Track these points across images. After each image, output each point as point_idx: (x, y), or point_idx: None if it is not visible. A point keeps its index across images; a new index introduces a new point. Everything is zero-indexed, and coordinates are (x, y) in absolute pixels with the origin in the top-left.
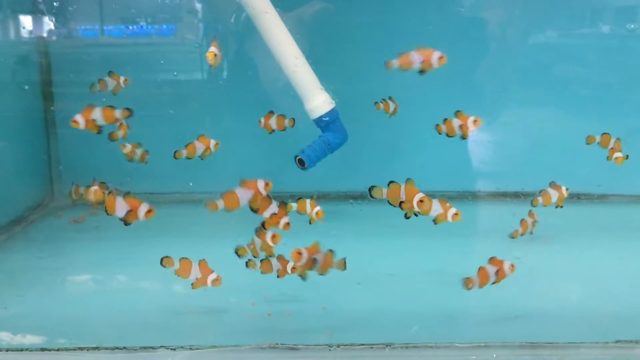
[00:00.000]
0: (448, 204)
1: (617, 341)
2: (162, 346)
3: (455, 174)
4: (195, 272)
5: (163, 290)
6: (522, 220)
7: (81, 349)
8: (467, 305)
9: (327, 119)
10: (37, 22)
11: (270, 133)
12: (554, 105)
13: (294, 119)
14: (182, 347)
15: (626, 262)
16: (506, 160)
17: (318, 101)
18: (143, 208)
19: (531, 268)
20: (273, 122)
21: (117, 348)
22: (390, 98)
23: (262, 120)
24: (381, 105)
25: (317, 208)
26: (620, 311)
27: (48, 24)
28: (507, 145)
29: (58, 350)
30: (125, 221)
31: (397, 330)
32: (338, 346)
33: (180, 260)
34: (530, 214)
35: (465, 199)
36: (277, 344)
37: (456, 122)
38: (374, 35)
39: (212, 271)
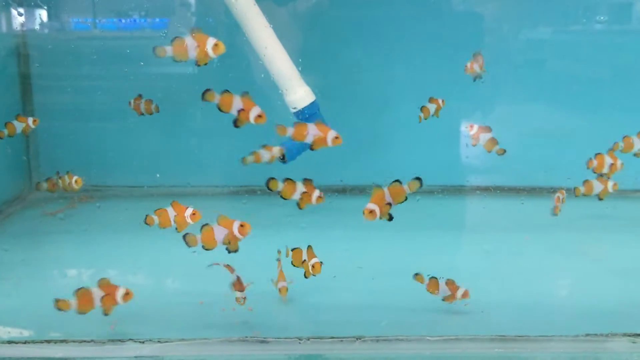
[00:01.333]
0: None
1: (587, 334)
2: (130, 339)
3: (438, 169)
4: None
5: (132, 284)
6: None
7: (49, 341)
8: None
9: (305, 112)
10: (17, 14)
11: (140, 115)
12: (546, 100)
13: (157, 106)
14: (150, 340)
15: (604, 256)
16: (496, 155)
17: (298, 94)
18: (316, 194)
19: (503, 261)
20: (141, 105)
21: (85, 341)
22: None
23: (132, 102)
24: (422, 116)
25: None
26: (595, 304)
27: (28, 15)
28: (499, 140)
29: (25, 343)
30: (299, 206)
31: (368, 323)
32: (308, 339)
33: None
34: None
35: (451, 193)
36: (246, 337)
37: (597, 185)
38: (360, 29)
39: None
